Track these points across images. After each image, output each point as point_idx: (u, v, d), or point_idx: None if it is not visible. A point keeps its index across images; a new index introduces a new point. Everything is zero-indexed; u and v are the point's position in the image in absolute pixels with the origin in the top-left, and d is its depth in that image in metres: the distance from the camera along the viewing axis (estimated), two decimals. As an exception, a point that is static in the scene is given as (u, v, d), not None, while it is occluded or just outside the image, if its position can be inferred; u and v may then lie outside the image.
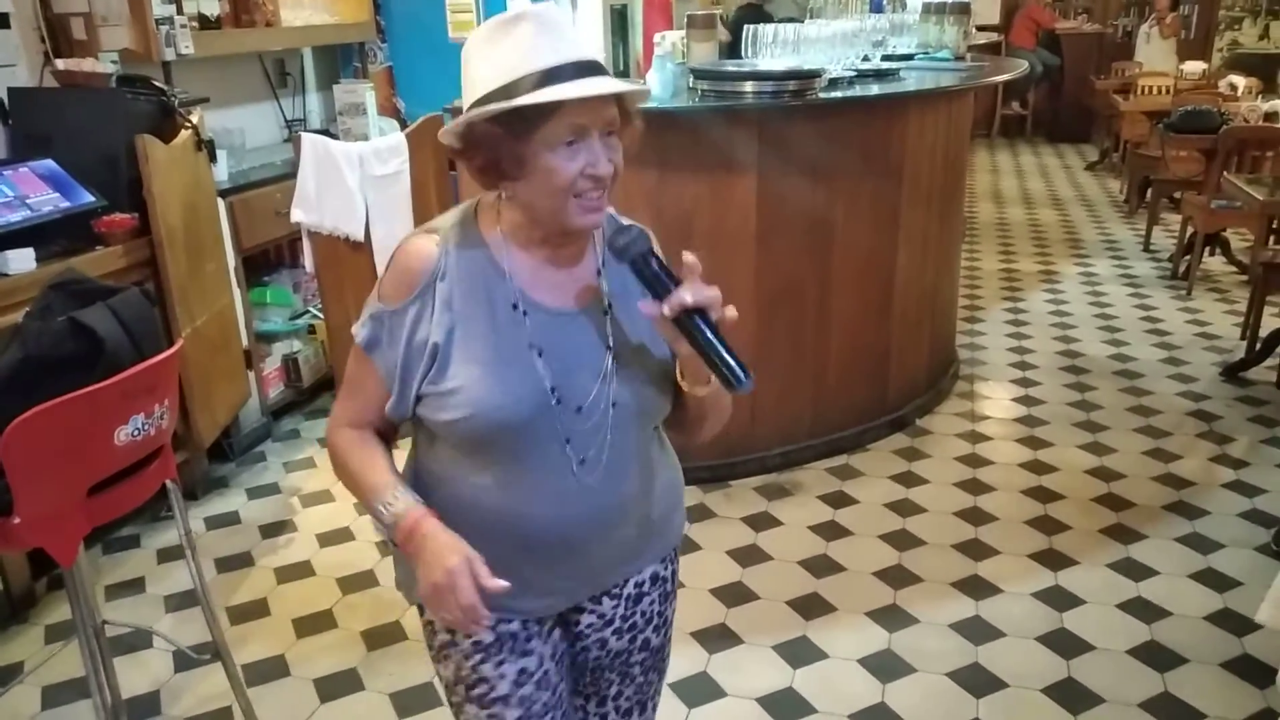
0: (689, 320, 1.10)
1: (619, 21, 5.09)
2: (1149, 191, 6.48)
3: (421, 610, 1.35)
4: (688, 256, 1.13)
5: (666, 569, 1.42)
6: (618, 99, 1.14)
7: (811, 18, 3.88)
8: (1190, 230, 5.44)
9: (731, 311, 1.13)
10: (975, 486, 3.33)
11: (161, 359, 1.64)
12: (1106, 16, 10.66)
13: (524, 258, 1.21)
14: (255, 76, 4.22)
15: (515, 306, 1.19)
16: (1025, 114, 10.63)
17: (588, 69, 1.10)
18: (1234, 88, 6.65)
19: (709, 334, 1.10)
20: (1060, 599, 2.70)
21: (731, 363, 1.10)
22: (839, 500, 3.25)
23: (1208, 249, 5.50)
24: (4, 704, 2.34)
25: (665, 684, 2.35)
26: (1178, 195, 6.14)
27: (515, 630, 1.30)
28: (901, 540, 3.01)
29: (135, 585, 2.86)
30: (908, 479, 3.38)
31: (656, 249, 1.18)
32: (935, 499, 3.25)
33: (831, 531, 3.06)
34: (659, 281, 1.13)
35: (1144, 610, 2.64)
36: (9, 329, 1.74)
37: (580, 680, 1.45)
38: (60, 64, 3.08)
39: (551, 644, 1.35)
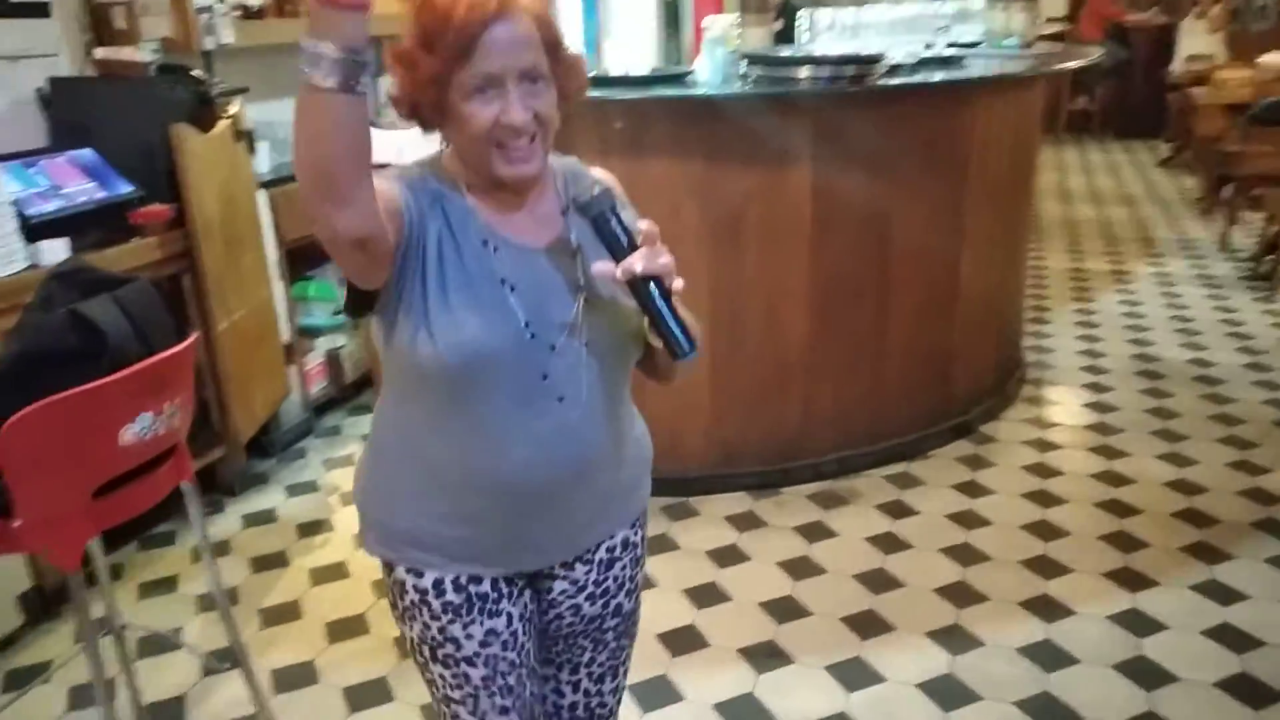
0: (640, 285, 1.12)
1: (671, 14, 4.95)
2: (1226, 188, 6.17)
3: (388, 568, 1.31)
4: (644, 224, 1.13)
5: (636, 534, 1.42)
6: (545, 47, 1.13)
7: (871, 2, 3.70)
8: (1274, 229, 5.14)
9: (679, 282, 1.14)
10: (1045, 498, 3.12)
11: (171, 354, 1.54)
12: (1180, 8, 10.23)
13: (485, 198, 1.20)
14: (299, 68, 4.16)
15: (485, 243, 1.18)
16: (1093, 110, 10.25)
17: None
18: (1320, 79, 6.28)
19: (658, 301, 1.12)
20: (1139, 623, 2.49)
21: (676, 332, 1.13)
22: (898, 510, 3.07)
23: (1293, 248, 5.20)
24: (30, 702, 2.28)
25: (710, 704, 2.24)
26: (1258, 192, 5.82)
27: (486, 591, 1.29)
28: (965, 555, 2.82)
29: (168, 584, 2.79)
30: (972, 489, 3.19)
31: (619, 207, 1.17)
32: (1001, 511, 3.05)
33: (890, 544, 2.89)
34: (616, 243, 1.13)
35: (1232, 638, 2.42)
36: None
37: (553, 649, 1.43)
38: (99, 53, 3.03)
39: (521, 605, 1.33)
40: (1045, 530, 2.94)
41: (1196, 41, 8.46)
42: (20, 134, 2.91)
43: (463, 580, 1.27)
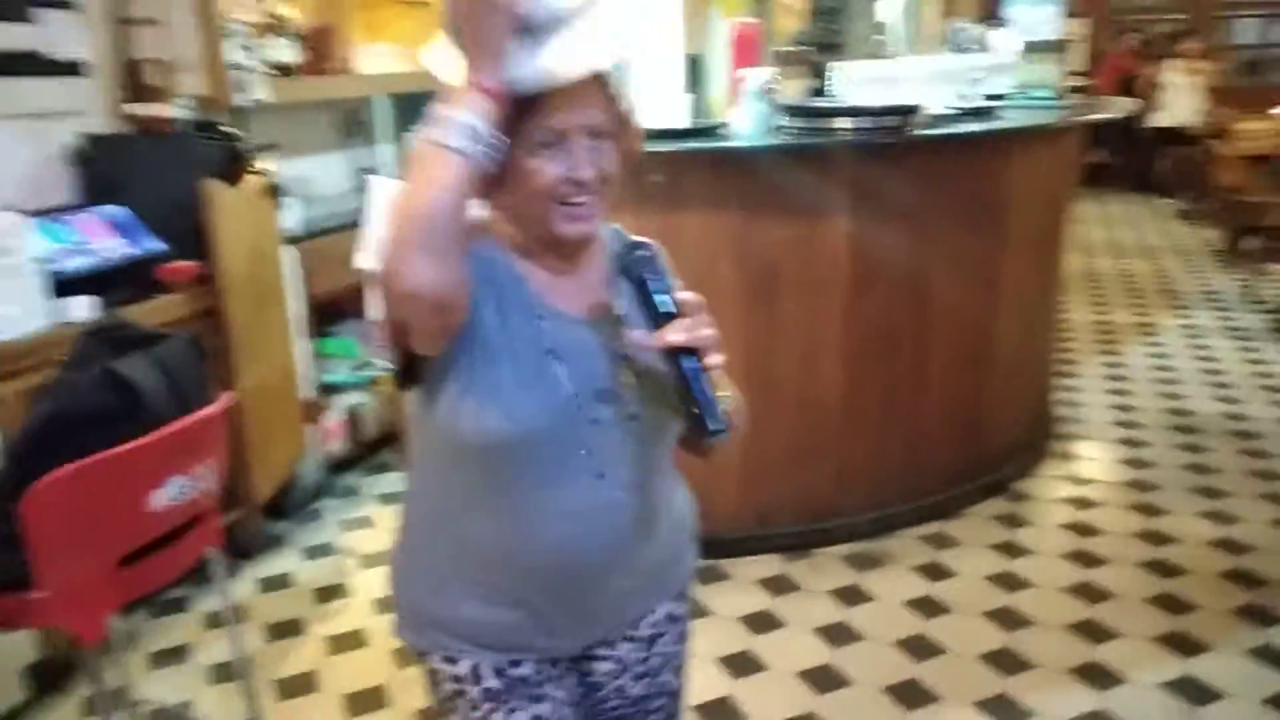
0: (676, 357, 1.08)
1: (694, 69, 4.94)
2: (1247, 239, 6.12)
3: (422, 657, 1.25)
4: (686, 295, 1.10)
5: (680, 607, 1.36)
6: (609, 105, 1.09)
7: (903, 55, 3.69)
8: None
9: (718, 358, 1.10)
10: (1086, 559, 3.02)
11: (207, 414, 1.49)
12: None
13: (532, 267, 1.17)
14: (329, 125, 4.18)
15: (533, 312, 1.15)
16: (1112, 162, 10.24)
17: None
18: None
19: (690, 376, 1.08)
20: (1195, 691, 2.39)
21: (706, 410, 1.08)
22: (936, 572, 2.97)
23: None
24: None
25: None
26: (1284, 244, 5.78)
27: (527, 674, 1.23)
28: (1008, 619, 2.72)
29: (179, 654, 2.69)
30: (1010, 549, 3.10)
31: (665, 275, 1.12)
32: (1043, 572, 2.95)
33: (929, 608, 2.79)
34: (656, 310, 1.10)
35: (1296, 708, 2.32)
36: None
37: None
38: (132, 109, 3.03)
39: (567, 689, 1.27)
40: (1089, 593, 2.84)
41: (1182, 97, 8.52)
42: (49, 191, 2.90)
43: (501, 664, 1.21)
